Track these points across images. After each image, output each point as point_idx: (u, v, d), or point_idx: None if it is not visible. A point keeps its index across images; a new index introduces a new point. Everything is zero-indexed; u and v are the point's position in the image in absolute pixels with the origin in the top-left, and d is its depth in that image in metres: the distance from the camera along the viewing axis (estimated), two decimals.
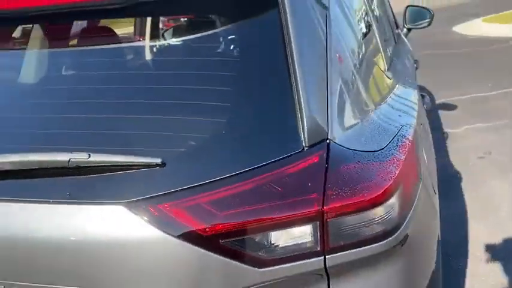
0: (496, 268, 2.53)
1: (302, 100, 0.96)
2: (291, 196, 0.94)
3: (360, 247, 0.94)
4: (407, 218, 1.01)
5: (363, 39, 1.51)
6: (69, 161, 0.94)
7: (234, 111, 1.03)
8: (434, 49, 8.13)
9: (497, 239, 2.76)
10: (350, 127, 1.06)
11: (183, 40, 1.23)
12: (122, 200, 0.93)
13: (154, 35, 1.37)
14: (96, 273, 0.93)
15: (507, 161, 3.81)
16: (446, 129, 4.66)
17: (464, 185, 3.51)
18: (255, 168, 0.93)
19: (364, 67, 1.37)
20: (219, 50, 1.11)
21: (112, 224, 0.93)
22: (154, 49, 1.22)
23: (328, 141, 0.98)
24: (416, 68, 2.89)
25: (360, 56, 1.39)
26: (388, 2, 3.34)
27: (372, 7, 2.05)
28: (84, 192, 0.97)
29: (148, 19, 1.45)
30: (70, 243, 0.93)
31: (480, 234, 2.84)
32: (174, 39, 1.33)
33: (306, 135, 0.97)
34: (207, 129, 1.02)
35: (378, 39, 1.70)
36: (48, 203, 0.98)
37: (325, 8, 1.12)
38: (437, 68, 6.77)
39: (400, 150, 1.08)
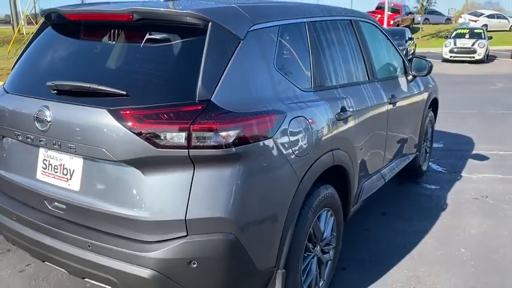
0: None
1: (201, 81, 1.89)
2: (180, 117, 1.83)
3: (207, 149, 1.83)
4: (248, 144, 1.89)
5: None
6: (90, 84, 1.97)
7: (166, 79, 1.99)
8: None
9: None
10: (233, 99, 1.96)
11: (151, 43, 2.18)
12: (104, 107, 1.93)
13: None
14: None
15: (496, 205, 4.23)
16: (464, 174, 5.10)
17: (443, 213, 4.04)
18: (170, 103, 1.88)
19: (278, 74, 2.24)
20: (170, 53, 2.06)
21: (98, 118, 1.93)
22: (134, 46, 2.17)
23: (210, 101, 1.89)
24: (393, 104, 3.51)
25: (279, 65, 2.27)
26: (399, 51, 4.06)
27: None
28: (91, 101, 1.98)
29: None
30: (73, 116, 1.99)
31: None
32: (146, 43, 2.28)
33: (197, 95, 1.88)
34: (152, 85, 2.00)
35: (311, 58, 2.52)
36: (71, 103, 2.02)
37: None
38: None
39: (257, 120, 1.97)
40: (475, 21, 30.96)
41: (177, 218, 1.87)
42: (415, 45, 20.96)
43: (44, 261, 2.31)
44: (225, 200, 1.89)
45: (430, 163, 5.37)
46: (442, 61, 19.59)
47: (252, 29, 2.15)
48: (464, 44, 19.31)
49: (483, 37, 19.88)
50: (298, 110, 2.26)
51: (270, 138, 2.03)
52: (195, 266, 1.89)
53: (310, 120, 2.31)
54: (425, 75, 3.99)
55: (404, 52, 17.83)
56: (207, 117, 1.84)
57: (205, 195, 1.88)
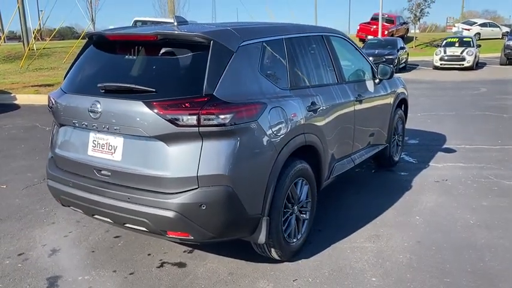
0: None
1: (206, 81, 2.74)
2: (192, 106, 2.68)
3: (211, 127, 2.68)
4: (240, 124, 2.74)
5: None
6: (129, 85, 2.84)
7: (182, 80, 2.86)
8: None
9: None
10: (229, 93, 2.82)
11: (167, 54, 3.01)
12: (140, 100, 2.78)
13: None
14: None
15: (452, 185, 5.07)
16: (431, 164, 5.93)
17: (407, 192, 4.86)
18: (185, 96, 2.73)
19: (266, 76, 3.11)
20: (183, 62, 2.92)
21: (135, 108, 2.78)
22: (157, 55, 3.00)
23: (212, 95, 2.74)
24: (359, 102, 4.35)
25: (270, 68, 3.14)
26: (367, 59, 4.93)
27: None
28: (130, 96, 2.82)
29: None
30: (118, 107, 2.84)
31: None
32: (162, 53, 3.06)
33: (204, 91, 2.73)
34: (173, 84, 2.86)
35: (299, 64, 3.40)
36: (116, 98, 2.86)
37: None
38: None
39: (246, 108, 2.83)
40: (468, 29, 31.91)
41: (191, 175, 2.72)
42: (408, 54, 21.86)
43: (93, 215, 3.16)
44: (225, 162, 2.74)
45: (403, 155, 6.21)
46: (433, 68, 20.53)
47: (242, 44, 3.02)
48: (454, 52, 20.22)
49: (472, 45, 20.82)
50: (276, 103, 3.11)
51: (255, 121, 2.88)
52: (204, 208, 2.73)
53: (285, 110, 3.17)
54: (388, 78, 4.84)
55: (396, 60, 18.78)
56: (211, 105, 2.70)
57: (210, 159, 2.73)
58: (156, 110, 2.70)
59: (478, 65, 20.90)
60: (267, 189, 3.00)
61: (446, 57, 20.23)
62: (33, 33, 22.57)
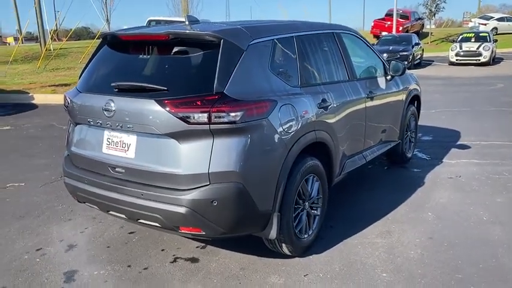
0: None
1: (217, 79, 2.79)
2: (203, 104, 2.72)
3: (222, 124, 2.72)
4: (250, 122, 2.79)
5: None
6: (142, 84, 2.92)
7: (193, 78, 2.91)
8: None
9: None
10: (239, 91, 2.86)
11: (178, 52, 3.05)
12: (152, 98, 2.84)
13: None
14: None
15: (466, 182, 5.04)
16: (445, 160, 5.90)
17: (420, 188, 4.86)
18: (196, 94, 2.78)
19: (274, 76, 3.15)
20: (194, 60, 2.97)
21: (148, 106, 2.84)
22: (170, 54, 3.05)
23: (223, 93, 2.78)
24: (371, 99, 4.36)
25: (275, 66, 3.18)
26: (379, 56, 4.93)
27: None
28: (142, 95, 2.89)
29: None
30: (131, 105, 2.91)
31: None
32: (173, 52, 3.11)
33: (214, 89, 2.77)
34: (184, 82, 2.91)
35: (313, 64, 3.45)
36: (129, 97, 2.92)
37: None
38: None
39: (256, 105, 2.87)
40: (485, 24, 31.43)
41: (202, 172, 2.77)
42: (423, 50, 21.66)
43: (108, 212, 3.24)
44: (235, 159, 2.78)
45: (416, 152, 6.19)
46: (449, 64, 20.30)
47: (252, 43, 3.06)
48: (470, 48, 19.97)
49: (489, 40, 20.52)
50: (286, 100, 3.15)
51: (265, 118, 2.92)
52: (215, 204, 2.78)
53: (296, 107, 3.20)
54: (400, 75, 4.83)
55: (410, 57, 18.62)
56: (221, 103, 2.75)
57: (221, 156, 2.77)
58: (167, 108, 2.76)
59: (494, 61, 20.60)
60: (278, 186, 3.04)
61: (462, 53, 19.99)
62: (50, 34, 22.94)
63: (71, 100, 3.32)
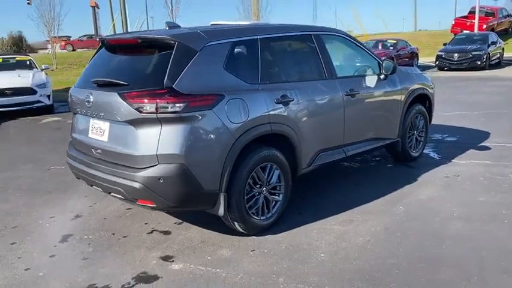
0: None
1: (167, 76, 3.32)
2: (153, 96, 3.25)
3: (168, 113, 3.24)
4: (194, 112, 3.27)
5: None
6: (110, 79, 3.52)
7: (149, 74, 3.47)
8: None
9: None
10: (189, 86, 3.36)
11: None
12: (115, 91, 3.44)
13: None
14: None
15: (460, 181, 5.06)
16: (455, 160, 5.88)
17: (409, 185, 4.98)
18: (147, 88, 3.33)
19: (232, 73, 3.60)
20: (153, 60, 3.52)
21: (113, 98, 3.45)
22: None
23: (172, 87, 3.29)
24: (351, 96, 4.59)
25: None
26: (374, 56, 5.13)
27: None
28: (110, 89, 3.49)
29: None
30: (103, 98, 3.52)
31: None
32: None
33: (165, 84, 3.28)
34: (143, 78, 3.48)
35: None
36: (102, 90, 3.56)
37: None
38: None
39: (201, 98, 3.34)
40: None
41: (152, 154, 3.31)
42: (503, 49, 20.37)
43: (92, 186, 3.91)
44: (179, 143, 3.29)
45: (429, 151, 6.23)
46: None
47: (207, 44, 3.54)
48: None
49: None
50: (237, 95, 3.58)
51: (210, 109, 3.38)
52: (161, 181, 3.30)
53: (247, 102, 3.62)
54: (391, 73, 4.99)
55: (484, 56, 17.68)
56: (168, 96, 3.27)
57: (168, 140, 3.29)
58: (126, 100, 3.34)
59: None
60: (224, 169, 3.48)
61: None
62: None
63: (70, 94, 4.05)
